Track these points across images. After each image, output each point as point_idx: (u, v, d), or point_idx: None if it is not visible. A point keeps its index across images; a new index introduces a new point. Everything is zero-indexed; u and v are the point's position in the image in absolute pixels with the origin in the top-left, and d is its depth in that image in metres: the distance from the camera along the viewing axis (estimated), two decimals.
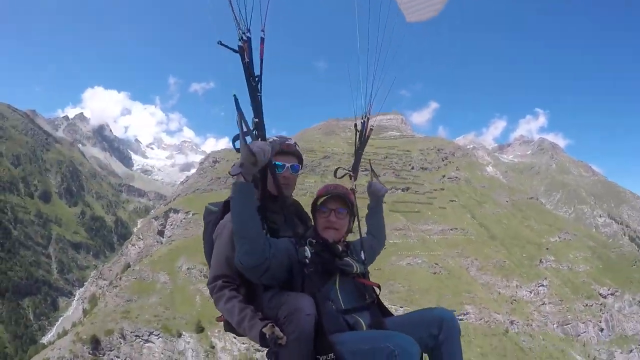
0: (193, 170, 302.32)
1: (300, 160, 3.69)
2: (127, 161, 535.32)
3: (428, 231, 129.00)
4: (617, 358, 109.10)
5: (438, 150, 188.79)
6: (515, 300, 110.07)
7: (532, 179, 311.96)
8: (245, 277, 3.18)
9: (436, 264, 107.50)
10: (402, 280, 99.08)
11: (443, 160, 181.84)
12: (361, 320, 3.15)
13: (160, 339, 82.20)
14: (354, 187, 4.02)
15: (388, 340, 2.77)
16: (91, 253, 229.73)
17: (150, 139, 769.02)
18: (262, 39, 3.11)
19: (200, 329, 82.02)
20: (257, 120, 3.12)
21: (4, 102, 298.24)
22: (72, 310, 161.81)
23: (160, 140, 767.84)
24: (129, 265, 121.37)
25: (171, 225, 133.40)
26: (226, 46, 3.01)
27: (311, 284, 3.12)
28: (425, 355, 3.10)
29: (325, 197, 3.49)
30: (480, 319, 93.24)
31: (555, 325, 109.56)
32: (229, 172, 3.05)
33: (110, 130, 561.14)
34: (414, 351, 2.73)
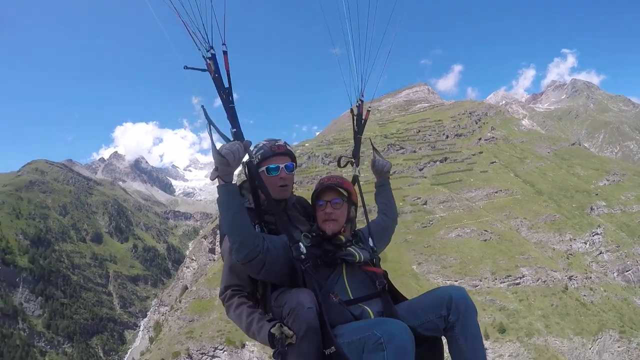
0: None
1: (294, 159, 3.81)
2: (168, 188, 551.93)
3: (472, 198, 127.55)
4: None
5: (470, 113, 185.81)
6: (571, 254, 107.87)
7: (572, 124, 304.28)
8: (255, 282, 3.47)
9: (485, 230, 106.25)
10: (454, 252, 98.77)
11: (477, 123, 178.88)
12: (368, 309, 3.25)
13: (225, 352, 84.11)
14: (357, 173, 4.21)
15: (376, 327, 2.78)
16: (149, 283, 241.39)
17: (187, 162, 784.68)
18: (225, 52, 3.28)
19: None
20: (234, 130, 3.28)
21: (42, 158, 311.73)
22: (139, 341, 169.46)
23: (196, 160, 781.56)
24: (186, 288, 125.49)
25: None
26: (193, 68, 3.20)
27: (310, 279, 3.20)
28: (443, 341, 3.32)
29: (319, 190, 3.63)
30: (537, 280, 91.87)
31: (615, 274, 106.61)
32: (210, 179, 3.22)
33: (147, 162, 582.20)
34: (403, 337, 2.71)
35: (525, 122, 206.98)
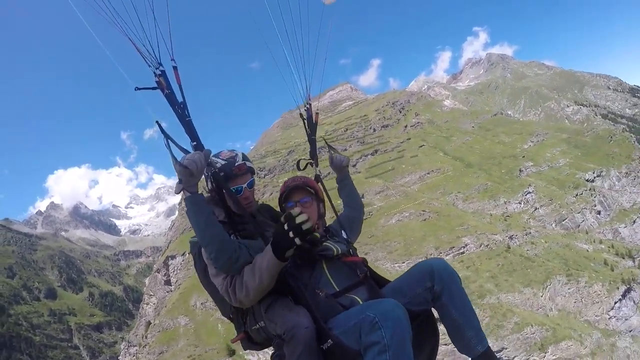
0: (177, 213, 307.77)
1: (253, 171, 3.78)
2: (113, 229, 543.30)
3: (407, 183, 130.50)
4: (622, 232, 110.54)
5: (393, 103, 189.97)
6: (508, 216, 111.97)
7: (493, 96, 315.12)
8: None
9: (423, 210, 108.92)
10: (397, 237, 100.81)
11: (400, 112, 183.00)
12: (357, 298, 3.28)
13: None
14: (318, 172, 4.23)
15: (368, 309, 2.80)
16: (114, 328, 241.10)
17: (127, 199, 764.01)
18: (175, 67, 3.27)
19: (231, 352, 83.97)
20: (194, 143, 3.25)
21: None
22: None
23: (136, 196, 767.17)
24: (149, 323, 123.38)
25: (174, 271, 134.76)
26: (144, 88, 3.16)
27: (294, 279, 3.22)
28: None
29: (286, 192, 3.70)
30: (480, 245, 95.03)
31: (554, 225, 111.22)
32: (174, 192, 3.18)
33: (86, 207, 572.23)
34: (397, 313, 2.72)
35: (447, 102, 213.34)
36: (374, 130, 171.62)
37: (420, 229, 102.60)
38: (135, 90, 3.08)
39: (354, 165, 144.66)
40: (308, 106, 4.37)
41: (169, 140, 3.04)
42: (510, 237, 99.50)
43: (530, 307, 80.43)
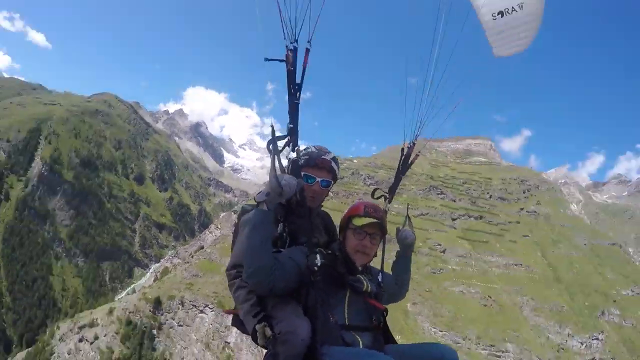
0: None
1: (334, 176, 3.81)
2: (219, 158, 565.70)
3: (491, 263, 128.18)
4: None
5: (521, 181, 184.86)
6: (563, 348, 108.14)
7: (624, 224, 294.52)
8: None
9: (489, 296, 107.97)
10: (450, 305, 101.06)
11: (524, 193, 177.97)
12: (360, 340, 3.26)
13: (213, 312, 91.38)
14: (387, 208, 4.20)
15: (369, 357, 2.84)
16: (172, 235, 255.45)
17: (244, 140, 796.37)
18: (308, 50, 3.35)
19: (226, 311, 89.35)
20: (291, 126, 3.37)
21: (113, 92, 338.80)
22: (145, 280, 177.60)
23: (253, 142, 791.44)
24: (202, 247, 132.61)
25: None
26: (273, 59, 3.28)
27: (315, 293, 3.24)
28: None
29: (366, 222, 3.54)
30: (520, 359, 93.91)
31: None
32: (254, 198, 3.21)
33: (207, 128, 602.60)
34: None
35: (573, 207, 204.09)
36: (491, 197, 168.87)
37: (475, 310, 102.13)
38: (265, 60, 3.25)
39: (453, 219, 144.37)
40: (412, 144, 4.45)
41: (274, 150, 3.21)
42: None
43: None
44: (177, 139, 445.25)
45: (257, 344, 3.16)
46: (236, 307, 3.60)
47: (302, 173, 3.66)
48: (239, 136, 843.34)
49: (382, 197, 4.34)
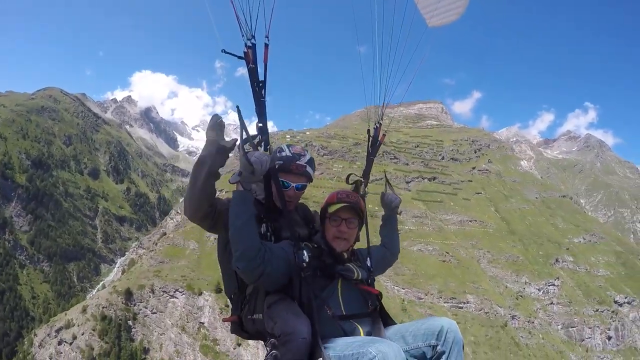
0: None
1: (309, 179, 3.74)
2: (172, 142, 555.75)
3: (446, 221, 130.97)
4: None
5: (472, 141, 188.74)
6: (521, 296, 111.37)
7: (574, 178, 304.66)
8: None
9: (447, 252, 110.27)
10: (410, 264, 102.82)
11: (476, 152, 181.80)
12: (359, 327, 3.24)
13: (183, 295, 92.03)
14: (364, 193, 4.08)
15: (371, 345, 2.74)
16: (134, 226, 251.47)
17: (197, 121, 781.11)
18: (267, 45, 3.26)
19: (219, 290, 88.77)
20: (260, 124, 3.28)
21: (57, 86, 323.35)
22: (113, 276, 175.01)
23: (206, 122, 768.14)
24: (164, 234, 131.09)
25: None
26: (230, 53, 3.16)
27: (308, 288, 3.18)
28: None
29: (338, 206, 3.50)
30: (480, 310, 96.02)
31: (559, 327, 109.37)
32: (228, 181, 3.13)
33: (157, 113, 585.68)
34: (397, 359, 2.65)
35: (524, 163, 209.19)
36: (443, 158, 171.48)
37: (434, 266, 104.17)
38: (222, 52, 3.17)
39: (407, 182, 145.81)
40: (378, 125, 4.42)
41: (242, 131, 3.11)
42: (512, 317, 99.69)
43: None
44: (128, 127, 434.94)
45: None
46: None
47: (280, 180, 3.53)
48: (191, 118, 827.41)
49: (358, 182, 4.15)
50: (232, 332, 3.67)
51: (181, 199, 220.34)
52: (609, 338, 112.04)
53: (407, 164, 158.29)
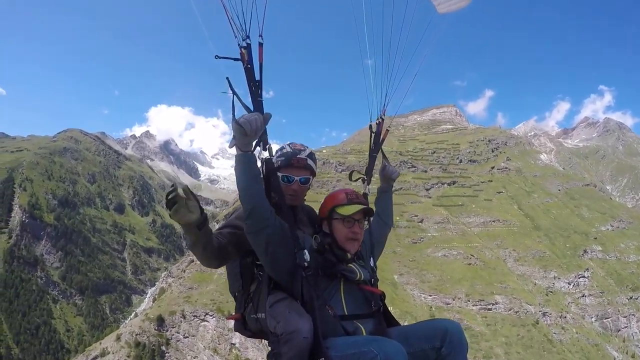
0: None
1: (312, 172, 3.78)
2: (194, 172, 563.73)
3: (469, 224, 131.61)
4: None
5: (489, 141, 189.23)
6: (551, 291, 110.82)
7: (597, 164, 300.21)
8: (260, 267, 3.50)
9: (472, 255, 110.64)
10: (435, 270, 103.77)
11: (493, 152, 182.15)
12: (362, 327, 3.21)
13: (214, 318, 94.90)
14: (367, 191, 4.09)
15: (374, 344, 2.74)
16: (162, 256, 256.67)
17: (215, 149, 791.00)
18: (261, 44, 3.27)
19: (227, 317, 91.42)
20: (269, 113, 3.16)
21: (77, 127, 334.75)
22: (144, 305, 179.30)
23: (225, 150, 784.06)
24: (192, 261, 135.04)
25: None
26: (225, 57, 3.16)
27: (309, 288, 3.18)
28: None
29: (355, 209, 3.45)
30: (510, 309, 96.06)
31: (593, 319, 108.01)
32: (228, 146, 3.15)
33: (176, 145, 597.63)
34: (400, 358, 2.66)
35: (543, 156, 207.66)
36: (461, 161, 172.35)
37: (460, 270, 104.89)
38: (216, 58, 3.15)
39: (427, 189, 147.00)
40: (380, 121, 4.40)
41: (234, 97, 3.11)
42: (544, 314, 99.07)
43: None
44: (149, 161, 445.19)
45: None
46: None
47: (280, 174, 3.67)
48: (210, 147, 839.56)
49: (361, 180, 4.34)
50: (235, 330, 3.76)
51: None
52: None
53: (426, 171, 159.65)
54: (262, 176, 3.37)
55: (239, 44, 3.18)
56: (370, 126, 4.38)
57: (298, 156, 3.69)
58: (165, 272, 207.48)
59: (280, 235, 3.16)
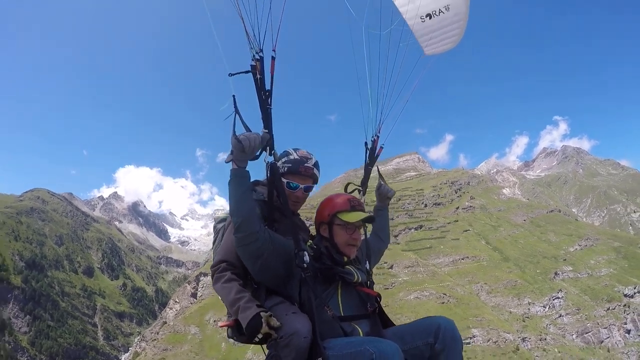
0: None
1: (315, 181, 3.90)
2: (163, 234, 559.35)
3: (439, 264, 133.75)
4: None
5: (452, 183, 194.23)
6: (528, 317, 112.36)
7: (560, 190, 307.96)
8: (250, 277, 3.46)
9: (444, 294, 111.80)
10: (409, 312, 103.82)
11: (456, 192, 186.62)
12: (358, 328, 3.33)
13: None
14: (363, 200, 4.23)
15: (369, 344, 2.80)
16: (134, 321, 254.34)
17: (185, 210, 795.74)
18: (273, 58, 3.43)
19: (220, 325, 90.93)
20: (266, 131, 3.36)
21: (44, 187, 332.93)
22: None
23: (194, 211, 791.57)
24: (165, 322, 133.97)
25: (202, 287, 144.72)
26: (238, 73, 3.35)
27: (308, 289, 3.25)
28: None
29: (360, 217, 3.53)
30: (488, 340, 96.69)
31: (574, 336, 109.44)
32: (225, 161, 3.21)
33: (145, 206, 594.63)
34: (395, 357, 2.70)
35: (506, 191, 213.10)
36: (426, 205, 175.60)
37: (434, 310, 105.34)
38: (230, 75, 3.30)
39: (395, 236, 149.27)
40: (375, 138, 4.62)
41: (236, 115, 3.18)
42: (523, 339, 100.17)
43: None
44: (117, 223, 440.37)
45: (254, 340, 3.13)
46: (224, 298, 3.37)
47: (285, 180, 3.76)
48: (179, 208, 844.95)
49: (356, 191, 4.44)
50: (229, 337, 3.67)
51: (178, 289, 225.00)
52: (628, 332, 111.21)
53: (392, 219, 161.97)
54: (266, 179, 3.59)
55: (253, 56, 3.42)
56: (366, 143, 4.68)
57: (305, 164, 3.80)
58: (138, 337, 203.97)
59: (270, 246, 3.23)
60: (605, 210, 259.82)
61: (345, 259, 3.54)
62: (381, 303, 3.79)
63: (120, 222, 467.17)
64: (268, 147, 3.38)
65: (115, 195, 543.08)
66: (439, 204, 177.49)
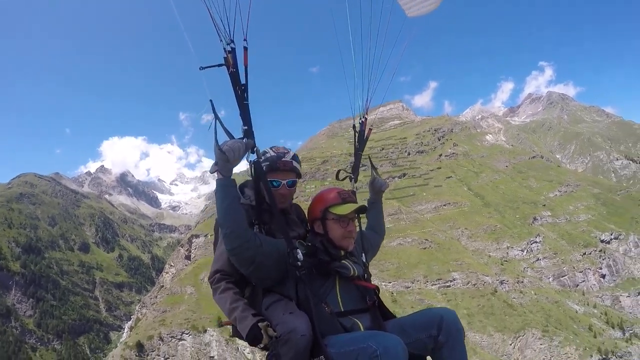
0: None
1: (298, 174, 3.73)
2: (154, 202, 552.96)
3: (421, 211, 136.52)
4: (623, 302, 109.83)
5: (435, 130, 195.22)
6: (506, 261, 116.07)
7: (545, 136, 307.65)
8: (246, 279, 3.40)
9: (426, 239, 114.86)
10: (392, 258, 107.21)
11: (439, 140, 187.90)
12: (359, 323, 3.23)
13: (190, 336, 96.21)
14: (354, 189, 4.13)
15: (372, 339, 2.74)
16: (134, 290, 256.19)
17: (173, 176, 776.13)
18: (246, 49, 3.21)
19: (221, 324, 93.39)
20: (245, 127, 3.22)
21: (30, 171, 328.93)
22: (123, 338, 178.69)
23: (183, 175, 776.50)
24: (162, 286, 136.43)
25: (195, 248, 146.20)
26: (209, 66, 3.14)
27: (304, 287, 3.17)
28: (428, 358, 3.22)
29: (351, 208, 3.45)
30: (468, 283, 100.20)
31: (550, 279, 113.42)
32: (209, 172, 3.14)
33: (133, 176, 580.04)
34: (398, 351, 2.66)
35: (489, 137, 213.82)
36: (409, 154, 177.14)
37: (416, 255, 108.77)
38: (200, 69, 3.14)
39: None
40: (363, 119, 4.44)
41: (216, 122, 3.08)
42: (501, 282, 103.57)
43: (495, 352, 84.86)
44: (107, 196, 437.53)
45: (256, 346, 3.14)
46: (222, 308, 3.41)
47: (267, 179, 3.62)
48: (167, 174, 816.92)
49: (348, 178, 4.35)
50: (232, 336, 3.63)
51: (172, 253, 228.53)
52: (603, 276, 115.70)
53: (377, 168, 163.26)
54: (250, 178, 3.55)
55: (224, 48, 3.21)
56: (354, 126, 4.48)
57: (283, 159, 3.67)
58: (139, 304, 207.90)
59: (261, 252, 3.18)
60: (588, 157, 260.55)
61: (342, 252, 3.46)
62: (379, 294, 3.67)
63: (110, 194, 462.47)
64: (249, 145, 3.26)
65: (102, 169, 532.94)
66: (422, 152, 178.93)
